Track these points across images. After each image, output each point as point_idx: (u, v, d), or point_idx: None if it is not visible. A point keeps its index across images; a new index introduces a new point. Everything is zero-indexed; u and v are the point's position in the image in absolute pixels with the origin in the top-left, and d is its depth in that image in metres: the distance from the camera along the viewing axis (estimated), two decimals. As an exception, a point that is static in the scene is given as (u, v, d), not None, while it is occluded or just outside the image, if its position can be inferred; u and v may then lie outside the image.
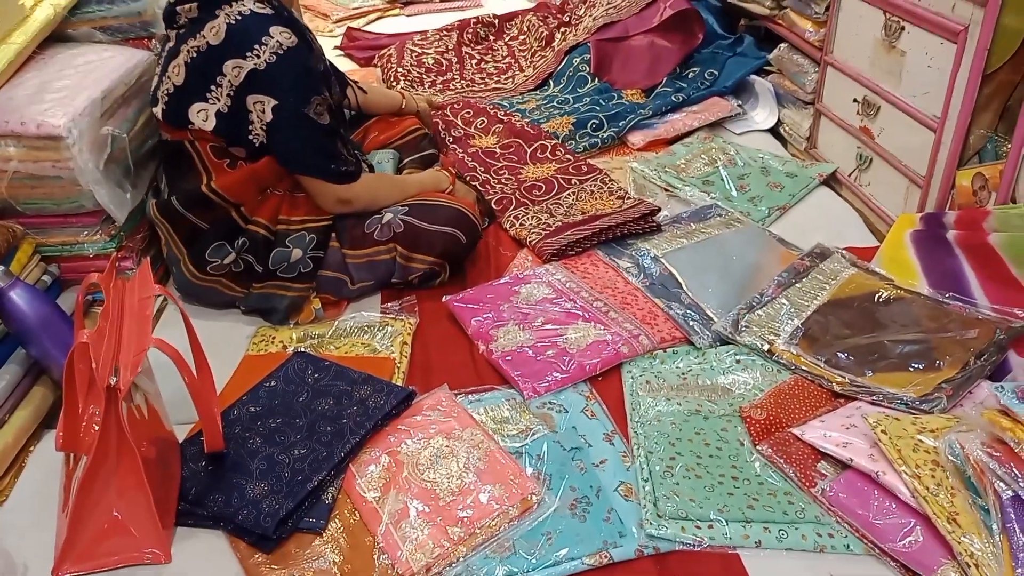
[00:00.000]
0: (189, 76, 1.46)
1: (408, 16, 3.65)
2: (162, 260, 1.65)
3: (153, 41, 1.70)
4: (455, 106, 2.31)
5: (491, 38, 3.19)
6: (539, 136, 2.17)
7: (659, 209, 1.80)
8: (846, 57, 1.90)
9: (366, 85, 2.01)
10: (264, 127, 1.46)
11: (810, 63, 2.05)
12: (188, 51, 1.45)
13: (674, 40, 2.51)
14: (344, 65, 3.06)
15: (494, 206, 1.93)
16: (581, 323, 1.49)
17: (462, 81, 2.76)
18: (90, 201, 1.45)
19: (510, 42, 3.11)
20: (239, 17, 1.43)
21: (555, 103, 2.42)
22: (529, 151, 2.14)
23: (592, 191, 1.95)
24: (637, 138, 2.20)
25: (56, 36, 1.63)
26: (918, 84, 1.62)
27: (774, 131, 2.25)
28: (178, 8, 1.48)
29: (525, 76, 2.70)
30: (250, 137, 1.47)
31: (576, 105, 2.38)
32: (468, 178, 2.03)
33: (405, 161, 1.95)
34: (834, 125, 1.98)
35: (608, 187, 1.94)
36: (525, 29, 3.11)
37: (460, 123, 2.25)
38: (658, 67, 2.46)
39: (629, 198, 1.89)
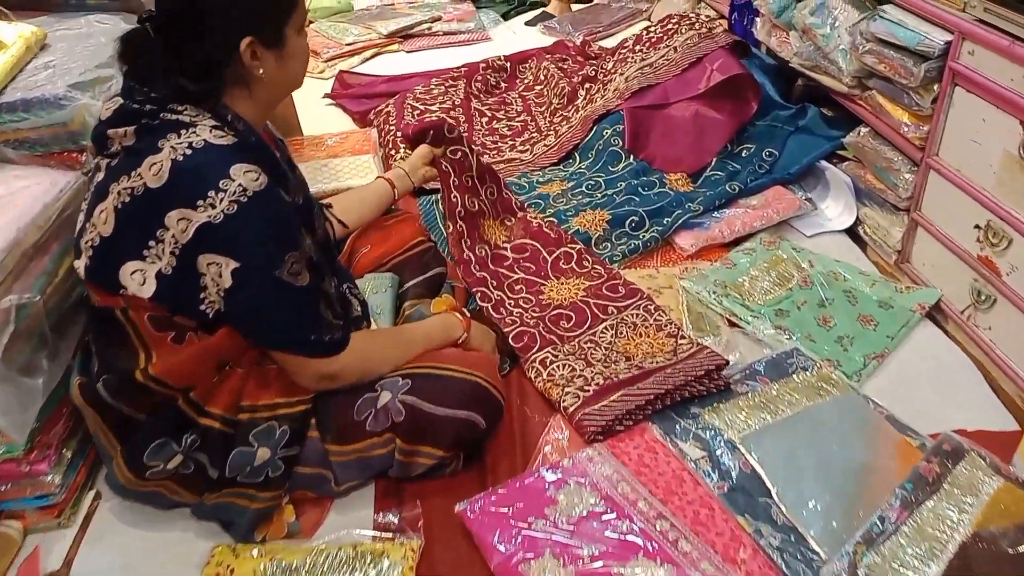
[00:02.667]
0: (120, 226, 1.07)
1: (408, 53, 3.26)
2: (92, 443, 1.28)
3: (85, 155, 1.32)
4: (458, 159, 1.79)
5: (503, 86, 2.80)
6: (560, 241, 1.78)
7: (727, 363, 1.43)
8: (959, 165, 1.52)
9: (341, 202, 1.59)
10: (221, 294, 1.08)
11: (904, 160, 1.67)
12: (120, 193, 1.06)
13: (723, 110, 2.12)
14: (336, 118, 2.68)
15: (512, 343, 1.55)
16: (643, 560, 1.11)
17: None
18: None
19: (524, 92, 2.73)
20: (188, 152, 1.04)
21: (584, 188, 2.04)
22: (551, 260, 1.76)
23: (635, 324, 1.57)
24: (687, 241, 1.81)
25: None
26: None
27: (850, 229, 1.87)
28: (109, 131, 1.09)
29: (546, 146, 2.31)
30: (202, 307, 1.09)
31: (609, 193, 1.99)
32: (478, 296, 1.65)
33: (407, 286, 1.56)
34: (938, 243, 1.60)
35: (656, 319, 1.57)
36: (542, 78, 2.73)
37: (467, 183, 1.82)
38: (705, 144, 2.08)
39: (684, 337, 1.51)
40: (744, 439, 1.29)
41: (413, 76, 2.91)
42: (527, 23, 3.51)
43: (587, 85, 2.48)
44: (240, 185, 1.04)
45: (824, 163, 1.96)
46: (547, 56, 2.85)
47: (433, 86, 2.65)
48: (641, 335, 1.54)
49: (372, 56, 3.22)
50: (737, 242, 1.83)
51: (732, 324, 1.60)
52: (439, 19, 3.46)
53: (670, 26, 2.39)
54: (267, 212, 1.07)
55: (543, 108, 2.57)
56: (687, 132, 2.10)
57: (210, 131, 1.06)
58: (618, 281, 1.67)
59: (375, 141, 2.35)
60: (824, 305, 1.61)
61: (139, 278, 1.07)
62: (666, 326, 1.54)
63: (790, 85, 2.29)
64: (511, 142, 2.42)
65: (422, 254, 1.62)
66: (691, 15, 2.40)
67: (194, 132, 1.05)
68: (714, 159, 2.04)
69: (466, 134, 2.42)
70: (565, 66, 2.75)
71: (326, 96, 2.82)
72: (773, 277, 1.68)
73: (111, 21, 1.59)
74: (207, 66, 1.07)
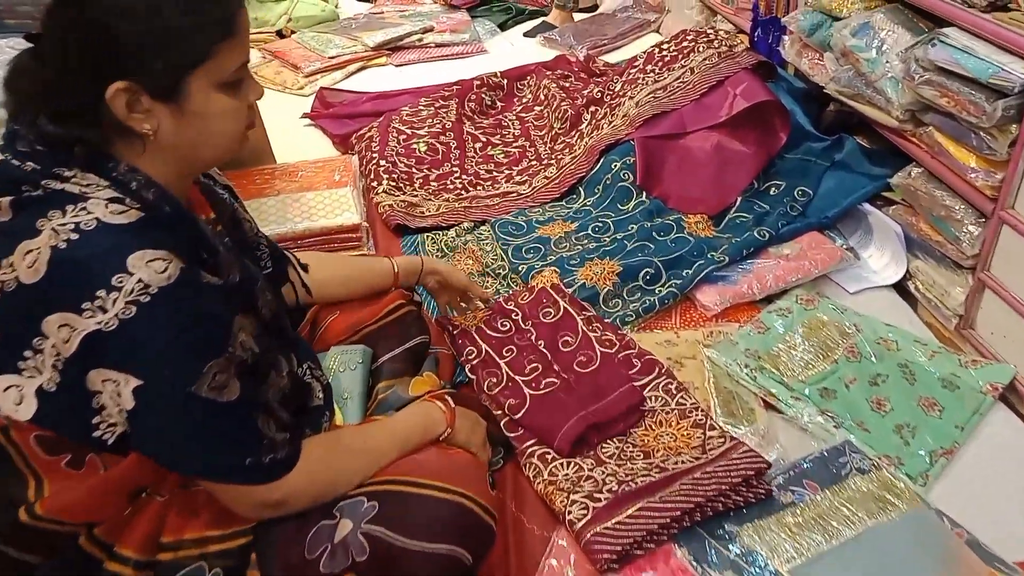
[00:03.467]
0: (-12, 332, 0.82)
1: (397, 67, 3.01)
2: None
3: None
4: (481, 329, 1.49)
5: (499, 105, 2.55)
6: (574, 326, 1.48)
7: (769, 466, 1.18)
8: (1043, 221, 1.27)
9: (319, 271, 1.30)
10: (124, 416, 0.83)
11: (969, 210, 1.42)
12: (-15, 289, 0.81)
13: (748, 141, 1.87)
14: (314, 141, 2.43)
15: (507, 431, 1.30)
16: None
17: (463, 177, 2.12)
18: None
19: (522, 113, 2.48)
20: (74, 237, 0.78)
21: (591, 232, 1.78)
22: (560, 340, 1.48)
23: (655, 409, 1.32)
24: (711, 298, 1.56)
25: None
26: None
27: (897, 283, 1.62)
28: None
29: (546, 178, 2.06)
30: (98, 433, 0.84)
31: (619, 237, 1.74)
32: (468, 367, 1.40)
33: (382, 361, 1.30)
34: (1011, 310, 1.35)
35: (679, 403, 1.31)
36: (542, 98, 2.48)
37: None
38: (728, 180, 1.83)
39: (714, 428, 1.26)
40: (794, 572, 1.03)
41: (401, 93, 2.67)
42: (526, 34, 3.26)
43: (592, 108, 2.23)
44: (141, 281, 0.78)
45: (866, 205, 1.71)
46: (547, 73, 2.60)
47: (422, 106, 2.40)
48: (662, 424, 1.28)
49: (357, 70, 2.97)
50: (768, 298, 1.58)
51: (768, 405, 1.35)
52: (431, 30, 3.22)
53: (685, 44, 2.14)
54: (179, 313, 0.81)
55: (543, 132, 2.33)
56: (707, 167, 1.85)
57: (105, 206, 0.80)
58: (630, 351, 1.42)
59: (356, 171, 2.09)
60: (877, 383, 1.36)
61: (14, 396, 0.82)
62: (691, 412, 1.29)
63: (820, 110, 2.04)
64: (507, 171, 2.17)
65: (401, 320, 1.36)
66: (708, 31, 2.15)
67: (84, 209, 0.79)
68: (739, 198, 1.79)
69: (458, 162, 2.18)
70: (567, 85, 2.50)
71: (305, 116, 2.57)
72: (814, 345, 1.43)
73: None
74: (74, 106, 0.82)
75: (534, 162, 2.20)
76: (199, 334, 0.83)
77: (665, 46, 2.20)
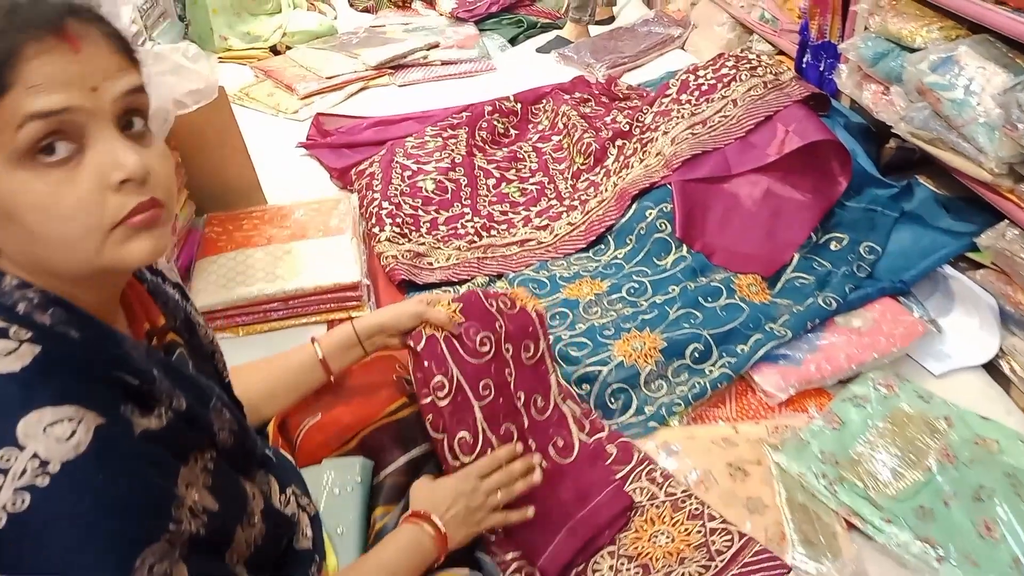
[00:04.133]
0: None
1: (400, 87, 2.78)
2: None
3: None
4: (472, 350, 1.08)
5: (512, 133, 2.32)
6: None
7: (789, 570, 0.95)
8: None
9: (238, 386, 0.90)
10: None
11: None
12: None
13: (803, 186, 1.64)
14: (310, 175, 2.20)
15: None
16: None
17: (475, 220, 1.89)
18: None
19: (539, 144, 2.25)
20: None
21: (625, 294, 1.55)
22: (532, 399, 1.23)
23: (643, 506, 1.11)
24: (772, 383, 1.33)
25: None
26: None
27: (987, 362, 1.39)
28: None
29: (570, 224, 1.83)
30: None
31: (660, 302, 1.51)
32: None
33: (384, 475, 1.07)
34: None
35: (668, 494, 1.12)
36: (560, 127, 2.25)
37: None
38: (782, 233, 1.60)
39: (713, 518, 1.06)
40: None
41: (405, 119, 2.44)
42: (539, 50, 3.03)
43: (619, 142, 2.00)
44: (37, 457, 0.55)
45: (947, 268, 1.48)
46: (565, 97, 2.37)
47: (428, 137, 2.17)
48: (654, 522, 1.07)
49: (358, 91, 2.73)
50: (840, 381, 1.35)
51: (851, 525, 1.12)
52: (436, 46, 2.99)
53: (725, 71, 1.91)
54: (95, 495, 0.57)
55: (563, 167, 2.09)
56: (757, 217, 1.62)
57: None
58: (601, 433, 1.19)
59: (355, 214, 1.86)
60: (981, 498, 1.13)
61: None
62: (684, 502, 1.08)
63: (879, 147, 1.81)
64: (524, 212, 1.94)
65: (403, 421, 1.12)
66: (750, 56, 1.92)
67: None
68: (796, 255, 1.56)
69: (469, 202, 1.95)
70: (588, 111, 2.27)
71: (300, 145, 2.34)
72: (900, 448, 1.20)
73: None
74: None
75: (554, 201, 1.97)
76: (125, 518, 0.59)
77: (701, 73, 1.97)
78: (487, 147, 2.22)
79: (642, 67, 2.78)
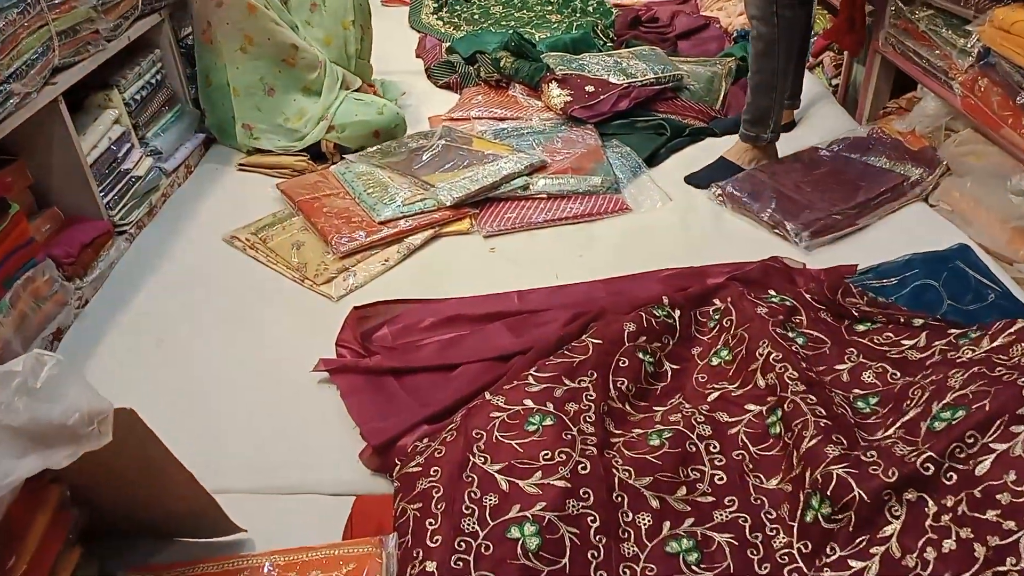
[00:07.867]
0: None
1: (486, 238, 1.86)
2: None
3: None
4: None
5: (668, 370, 1.38)
6: None
7: None
8: None
9: None
10: None
11: None
12: None
13: None
14: (328, 431, 1.30)
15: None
16: None
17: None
18: None
19: (718, 413, 1.29)
20: None
21: None
22: None
23: None
24: None
25: None
26: None
27: None
28: None
29: None
30: None
31: None
32: None
33: None
34: None
35: None
36: (753, 373, 1.29)
37: None
38: None
39: None
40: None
41: (491, 318, 1.52)
42: (689, 179, 2.06)
43: (890, 408, 1.02)
44: None
45: None
46: (755, 301, 1.42)
47: (525, 406, 1.22)
48: None
49: (423, 244, 1.82)
50: None
51: None
52: (544, 167, 2.06)
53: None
54: None
55: (768, 469, 1.13)
56: None
57: None
58: None
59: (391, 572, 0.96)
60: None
61: None
62: None
63: None
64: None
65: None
66: None
67: None
68: None
69: (603, 565, 1.02)
70: (805, 345, 1.31)
71: (320, 368, 1.44)
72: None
73: None
74: None
75: (767, 566, 1.01)
76: None
77: (985, 343, 0.97)
78: (628, 416, 1.28)
79: (862, 230, 1.78)
